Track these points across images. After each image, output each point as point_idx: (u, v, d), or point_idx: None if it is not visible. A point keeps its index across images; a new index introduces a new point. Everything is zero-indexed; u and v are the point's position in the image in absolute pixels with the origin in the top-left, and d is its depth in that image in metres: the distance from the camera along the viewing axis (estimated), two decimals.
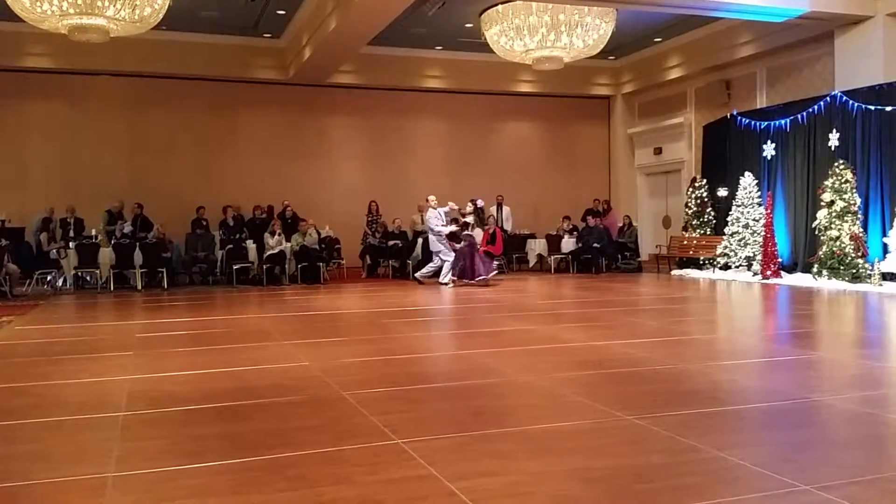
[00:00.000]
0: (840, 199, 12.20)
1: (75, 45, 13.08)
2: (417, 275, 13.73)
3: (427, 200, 13.91)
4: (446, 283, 13.03)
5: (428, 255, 15.21)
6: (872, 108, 12.45)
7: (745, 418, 4.19)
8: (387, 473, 3.21)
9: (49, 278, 13.75)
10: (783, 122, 14.25)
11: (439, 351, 6.82)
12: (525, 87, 18.44)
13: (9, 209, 14.86)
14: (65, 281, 13.55)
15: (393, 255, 15.49)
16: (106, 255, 13.36)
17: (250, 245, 14.34)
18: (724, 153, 15.56)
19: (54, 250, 13.72)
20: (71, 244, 13.47)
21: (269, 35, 15.96)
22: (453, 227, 13.48)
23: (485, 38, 14.38)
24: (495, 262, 13.91)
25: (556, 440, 3.68)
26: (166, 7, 11.82)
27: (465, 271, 12.95)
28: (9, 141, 15.53)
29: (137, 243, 13.67)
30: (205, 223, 14.96)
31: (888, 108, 12.19)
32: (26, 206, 15.06)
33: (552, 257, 16.59)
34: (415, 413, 4.27)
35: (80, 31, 11.48)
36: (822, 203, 12.43)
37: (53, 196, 14.98)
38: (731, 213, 14.49)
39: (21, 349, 6.96)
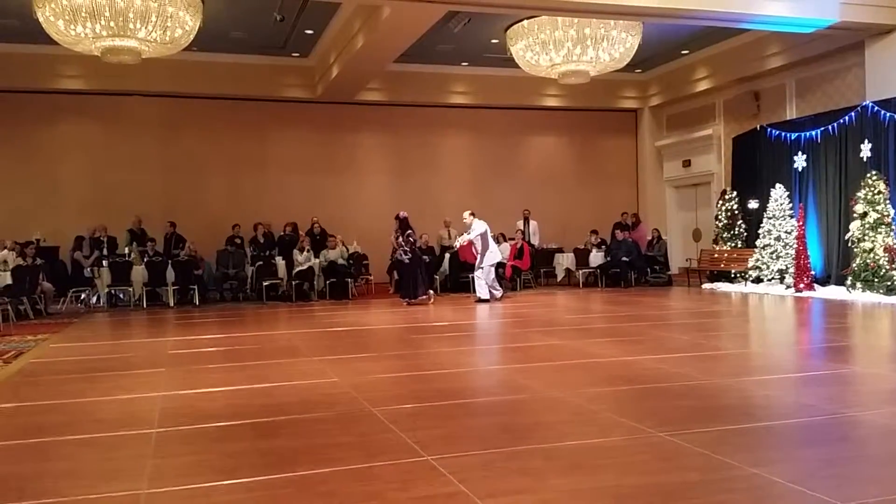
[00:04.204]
0: (873, 210, 12.03)
1: (108, 67, 13.33)
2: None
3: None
4: (484, 300, 12.88)
5: (455, 271, 15.24)
6: None
7: (780, 434, 4.13)
8: (417, 490, 3.21)
9: (83, 296, 13.96)
10: (814, 133, 14.10)
11: (468, 367, 6.81)
12: (551, 102, 18.44)
13: (43, 228, 15.13)
14: (98, 298, 13.74)
15: None
16: (139, 272, 13.55)
17: (279, 262, 14.46)
18: (755, 165, 15.42)
19: (87, 268, 13.95)
20: (104, 262, 13.66)
21: (297, 54, 16.14)
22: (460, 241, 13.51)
23: (510, 54, 14.42)
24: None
25: (586, 457, 3.66)
26: (196, 28, 12.02)
27: (406, 289, 12.88)
28: (43, 161, 15.83)
29: (169, 261, 13.86)
30: (239, 241, 15.13)
31: None
32: (60, 226, 15.31)
33: (580, 271, 16.52)
34: (445, 429, 4.26)
35: (113, 53, 11.70)
36: (855, 214, 12.26)
37: (86, 215, 15.23)
38: (762, 225, 14.34)
39: (55, 366, 7.05)
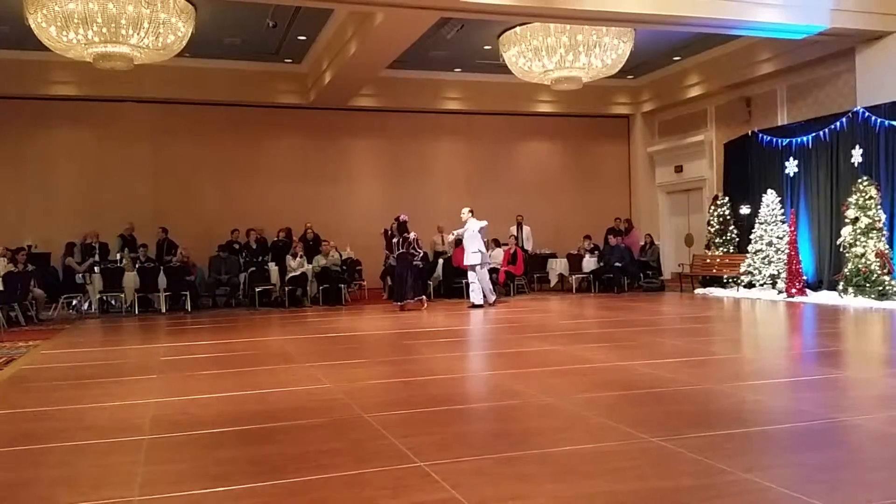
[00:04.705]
0: (864, 215, 12.08)
1: (100, 73, 13.30)
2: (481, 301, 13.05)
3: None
4: (478, 305, 12.85)
5: (448, 277, 15.23)
6: None
7: (773, 439, 4.13)
8: (410, 497, 3.20)
9: (74, 302, 13.90)
10: (805, 138, 14.16)
11: (461, 372, 6.80)
12: (544, 108, 18.49)
13: (35, 235, 15.08)
14: (90, 305, 13.68)
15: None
16: (130, 278, 13.49)
17: (272, 267, 14.43)
18: (746, 170, 15.48)
19: (79, 274, 13.90)
20: (96, 268, 13.61)
21: (290, 60, 16.14)
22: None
23: (503, 60, 14.45)
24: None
25: (579, 463, 3.65)
26: (189, 35, 12.01)
27: (397, 293, 12.89)
28: (35, 167, 15.78)
29: (161, 267, 13.81)
30: (237, 246, 15.11)
31: None
32: (52, 232, 15.26)
33: (573, 277, 16.53)
34: (437, 435, 4.25)
35: (105, 59, 11.69)
36: (847, 220, 12.31)
37: (78, 221, 15.19)
38: (754, 230, 14.38)
39: (46, 373, 7.02)
